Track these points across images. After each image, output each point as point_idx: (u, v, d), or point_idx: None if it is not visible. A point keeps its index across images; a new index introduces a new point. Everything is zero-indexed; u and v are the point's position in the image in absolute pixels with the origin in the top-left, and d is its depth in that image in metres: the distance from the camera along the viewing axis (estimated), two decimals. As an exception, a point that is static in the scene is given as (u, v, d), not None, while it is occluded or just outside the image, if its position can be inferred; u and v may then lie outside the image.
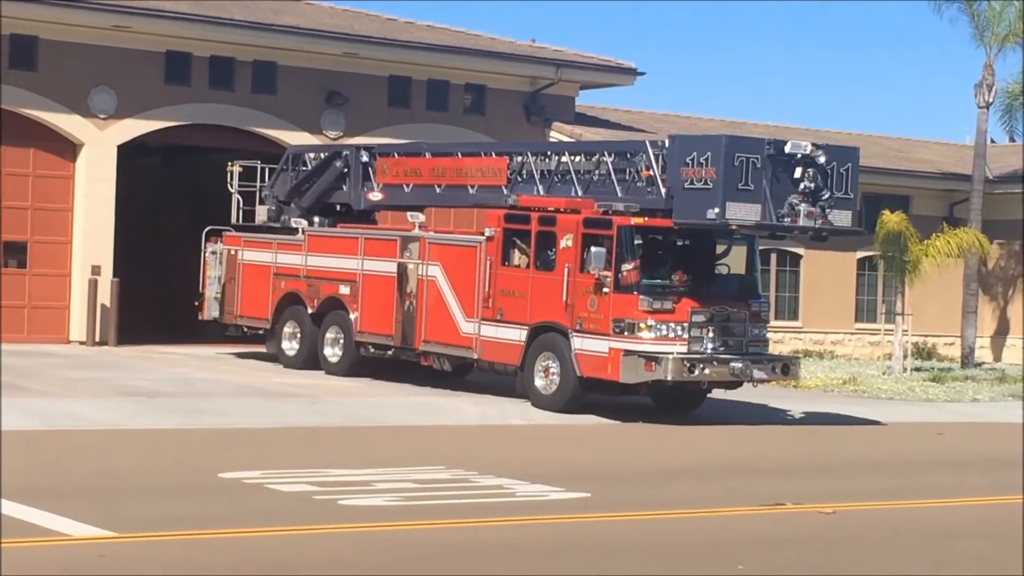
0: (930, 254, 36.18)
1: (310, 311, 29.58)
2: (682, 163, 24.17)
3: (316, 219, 30.69)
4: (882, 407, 29.12)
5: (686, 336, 24.20)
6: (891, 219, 35.32)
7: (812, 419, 26.64)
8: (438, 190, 28.90)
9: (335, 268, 29.23)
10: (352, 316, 28.64)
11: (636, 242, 24.52)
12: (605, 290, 24.25)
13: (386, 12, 39.69)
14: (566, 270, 24.75)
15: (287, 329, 30.21)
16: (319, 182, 31.10)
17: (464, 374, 28.15)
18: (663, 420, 24.94)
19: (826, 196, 24.29)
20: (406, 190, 29.54)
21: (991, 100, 39.22)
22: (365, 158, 30.36)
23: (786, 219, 24.10)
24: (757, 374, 24.84)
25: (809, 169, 24.12)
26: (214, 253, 31.94)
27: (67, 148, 34.44)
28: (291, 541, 13.34)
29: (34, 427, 20.40)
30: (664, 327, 24.10)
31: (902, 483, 19.48)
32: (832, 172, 24.41)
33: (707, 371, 24.25)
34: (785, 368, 25.53)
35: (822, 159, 24.18)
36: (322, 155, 31.49)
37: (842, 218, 24.72)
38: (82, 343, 33.91)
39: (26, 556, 12.05)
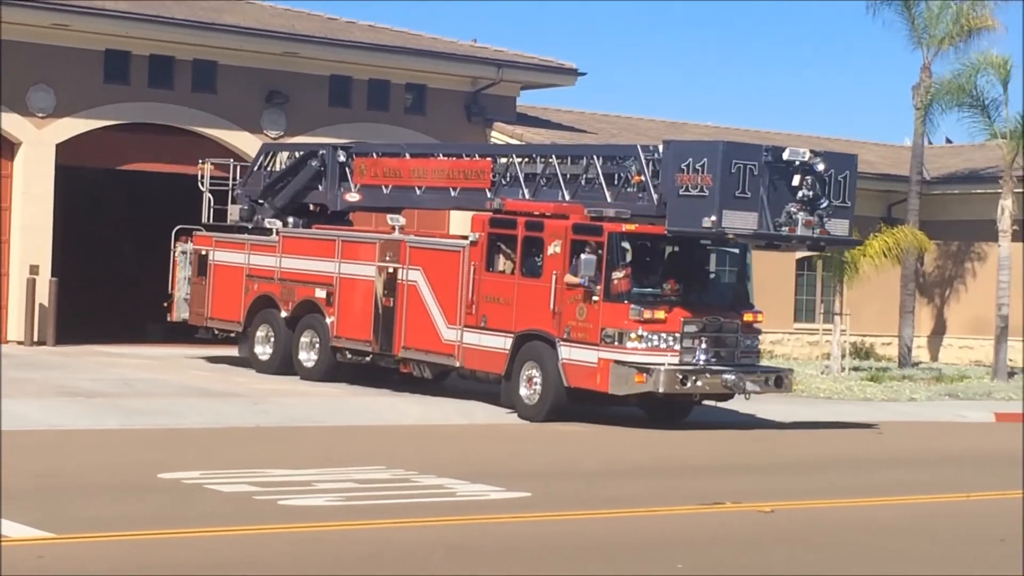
0: (868, 254, 36.43)
1: (284, 314, 28.84)
2: (677, 169, 23.56)
3: (290, 219, 29.96)
4: (820, 406, 29.30)
5: (678, 347, 23.65)
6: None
7: (752, 422, 26.65)
8: (418, 192, 28.19)
9: (311, 271, 28.50)
10: (328, 320, 27.92)
11: (627, 249, 24.16)
12: (595, 298, 23.62)
13: (327, 12, 39.67)
14: (553, 277, 24.16)
15: (260, 333, 29.46)
16: (294, 181, 30.40)
17: (442, 380, 27.31)
18: (633, 425, 24.52)
19: (824, 205, 23.78)
20: (385, 191, 28.85)
21: (927, 101, 39.48)
22: (342, 158, 29.63)
23: (784, 228, 23.58)
24: (750, 387, 24.25)
25: (807, 177, 23.64)
26: (184, 253, 31.27)
27: (4, 147, 34.18)
28: (230, 542, 13.31)
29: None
30: (655, 337, 23.55)
31: (841, 481, 19.61)
32: (830, 180, 23.92)
33: (699, 383, 23.67)
34: (779, 380, 24.87)
35: (820, 167, 23.69)
36: (297, 154, 30.83)
37: (839, 227, 24.19)
38: (20, 343, 33.70)
39: (-36, 557, 11.99)
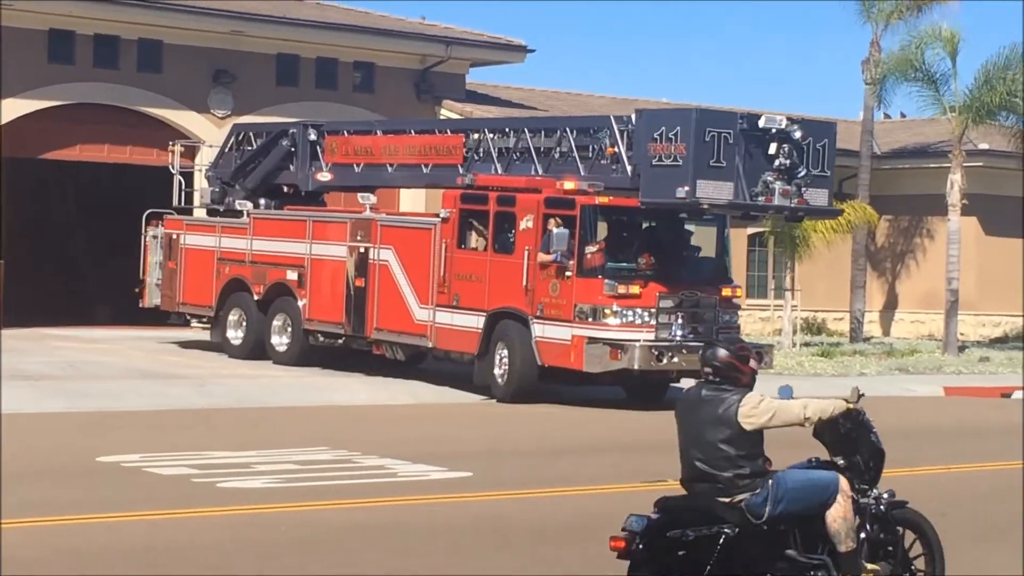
0: (819, 229, 36.51)
1: (256, 298, 28.24)
2: (649, 139, 22.83)
3: (262, 201, 29.40)
4: (770, 382, 29.24)
5: (653, 322, 23.01)
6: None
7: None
8: (390, 169, 27.68)
9: (282, 252, 27.98)
10: (300, 303, 27.36)
11: (600, 223, 23.54)
12: (567, 274, 23.03)
13: (274, -10, 39.50)
14: (526, 253, 23.49)
15: (232, 317, 28.88)
16: (264, 162, 29.91)
17: (418, 363, 26.85)
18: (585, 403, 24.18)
19: (802, 174, 23.04)
20: (356, 170, 28.31)
21: (877, 76, 39.54)
22: (313, 136, 29.03)
23: (760, 198, 22.80)
24: None
25: (784, 145, 22.84)
26: (155, 237, 30.76)
27: (-53, 130, 33.99)
28: (165, 525, 13.31)
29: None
30: (630, 313, 22.94)
31: (786, 455, 19.62)
32: (808, 148, 23.18)
33: (676, 359, 22.97)
34: (759, 356, 24.66)
35: (798, 134, 22.90)
36: (267, 133, 30.33)
37: (818, 197, 23.55)
38: (-34, 326, 33.47)
39: None
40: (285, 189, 30.03)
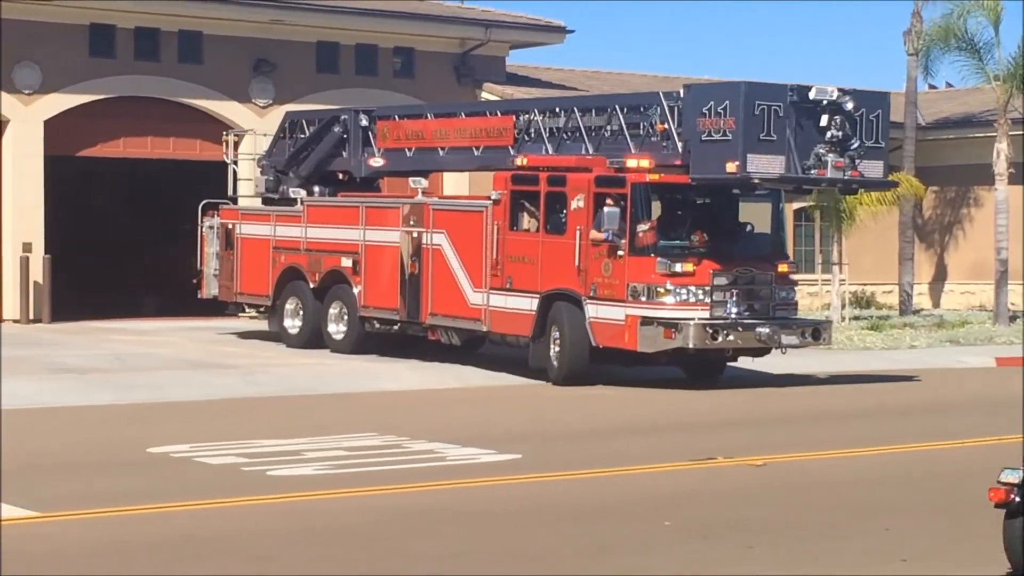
0: (864, 202, 36.29)
1: (312, 286, 27.87)
2: (698, 114, 22.53)
3: (316, 188, 29.11)
4: (820, 356, 29.12)
5: (708, 300, 22.63)
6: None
7: (760, 378, 26.25)
8: (441, 153, 27.27)
9: (336, 240, 27.57)
10: (355, 290, 26.96)
11: (652, 201, 23.09)
12: (620, 253, 22.60)
13: (313, -23, 39.50)
14: (578, 233, 23.09)
15: (289, 306, 28.46)
16: (317, 149, 29.58)
17: (476, 348, 26.37)
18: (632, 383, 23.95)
19: (855, 145, 22.61)
20: (408, 154, 27.88)
21: (920, 47, 39.29)
22: (365, 122, 28.62)
23: (813, 171, 22.37)
24: (786, 339, 23.26)
25: (836, 117, 22.41)
26: (211, 228, 30.55)
27: (-8, 125, 34.17)
28: (218, 514, 13.33)
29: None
30: (684, 291, 22.53)
31: (835, 433, 19.58)
32: (861, 120, 22.78)
33: (731, 337, 22.67)
34: (816, 332, 23.68)
35: (850, 105, 22.46)
36: (319, 121, 30.00)
37: (873, 169, 23.12)
38: (16, 321, 33.69)
39: (-54, 539, 12.00)
40: (340, 176, 29.70)
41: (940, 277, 45.35)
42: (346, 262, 27.24)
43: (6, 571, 11.00)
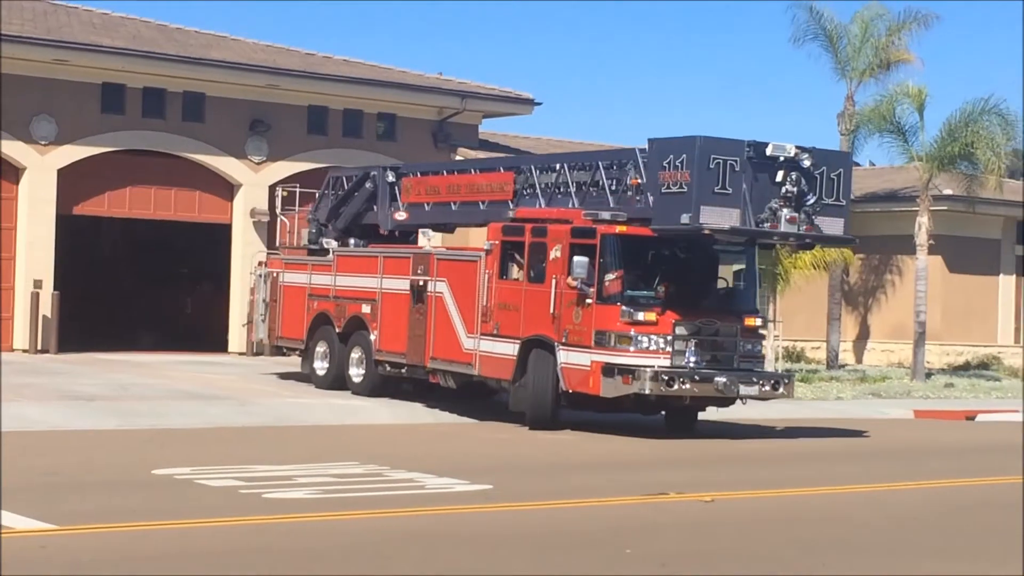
0: (798, 266, 36.55)
1: (337, 330, 27.22)
2: (659, 167, 21.68)
3: (352, 241, 28.29)
4: (752, 407, 29.11)
5: (669, 349, 21.70)
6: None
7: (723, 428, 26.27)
8: (453, 207, 26.46)
9: (358, 287, 26.93)
10: (372, 336, 26.26)
11: (620, 252, 22.07)
12: (588, 301, 21.80)
13: (306, 47, 39.68)
14: (554, 281, 22.33)
15: (319, 349, 27.81)
16: (352, 203, 28.92)
17: (478, 394, 25.12)
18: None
19: (811, 201, 21.68)
20: (426, 208, 27.08)
21: (852, 128, 39.62)
22: (391, 178, 27.96)
23: (766, 224, 21.48)
24: (744, 390, 22.13)
25: (792, 173, 21.53)
26: (260, 276, 30.05)
27: (10, 171, 34.10)
28: (219, 532, 13.24)
29: (-20, 429, 20.15)
30: (646, 339, 21.62)
31: (775, 474, 19.61)
32: (822, 177, 21.85)
33: (688, 386, 21.64)
34: (776, 384, 22.64)
35: (807, 163, 21.60)
36: (354, 177, 29.24)
37: (833, 226, 22.10)
38: (25, 351, 33.55)
39: (-28, 548, 11.90)
40: (381, 230, 28.68)
41: (863, 336, 45.61)
42: (365, 308, 26.60)
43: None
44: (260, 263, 30.54)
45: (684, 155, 21.31)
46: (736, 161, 21.29)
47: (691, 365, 21.81)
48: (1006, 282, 45.53)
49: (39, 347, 33.59)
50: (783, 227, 21.57)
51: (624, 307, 21.73)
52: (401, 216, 27.79)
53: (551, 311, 22.36)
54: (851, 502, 17.07)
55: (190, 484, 15.91)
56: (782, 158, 21.53)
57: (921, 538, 14.41)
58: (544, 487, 17.12)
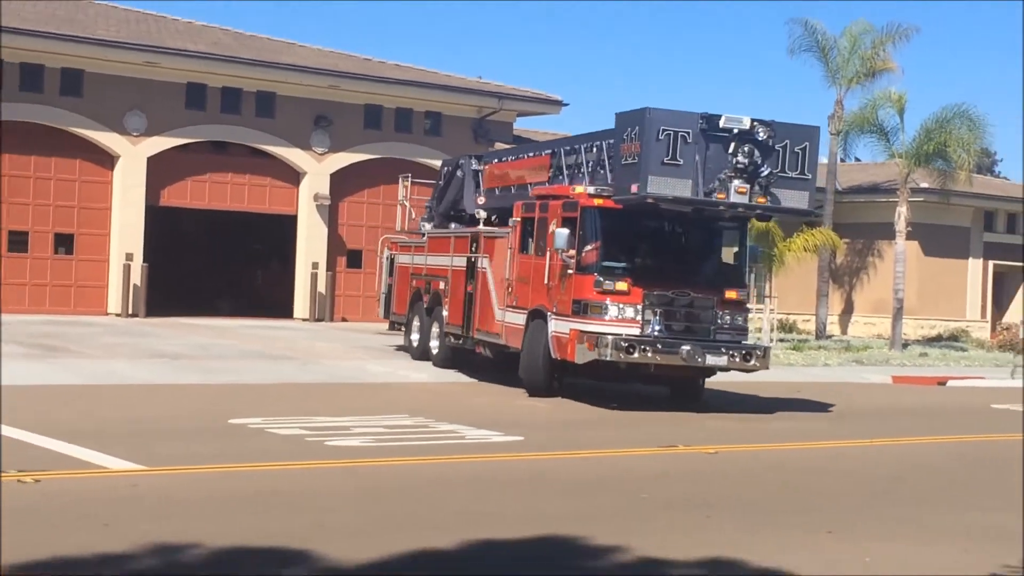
0: (792, 249, 36.43)
1: (425, 306, 26.15)
2: (620, 140, 19.85)
3: (452, 225, 26.84)
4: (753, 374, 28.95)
5: (639, 319, 19.89)
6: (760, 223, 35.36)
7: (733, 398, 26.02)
8: (513, 191, 24.77)
9: (439, 265, 25.81)
10: (444, 311, 25.03)
11: (599, 224, 20.32)
12: (569, 272, 20.31)
13: (364, 53, 39.72)
14: (548, 254, 20.96)
15: (415, 323, 26.69)
16: (449, 190, 27.58)
17: (513, 364, 22.36)
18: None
19: (765, 173, 19.35)
20: (497, 193, 25.60)
21: (840, 129, 39.43)
22: (475, 166, 26.60)
23: (714, 195, 19.22)
24: (711, 360, 20.04)
25: (745, 145, 19.23)
26: (386, 258, 29.01)
27: (106, 159, 34.19)
28: (287, 474, 13.28)
29: (79, 382, 20.26)
30: (616, 308, 19.93)
31: (769, 428, 19.54)
32: (785, 151, 19.53)
33: (649, 353, 19.73)
34: (747, 355, 20.41)
35: (763, 135, 19.33)
36: (453, 166, 27.94)
37: (795, 199, 19.68)
38: (118, 315, 33.69)
39: (73, 485, 11.98)
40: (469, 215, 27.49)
41: (848, 310, 45.45)
42: (442, 285, 25.50)
43: (127, 514, 10.98)
44: (385, 245, 29.42)
45: (637, 127, 19.41)
46: (688, 133, 19.18)
47: (655, 333, 19.98)
48: (974, 265, 45.37)
49: (130, 312, 33.73)
50: (732, 198, 19.28)
51: (598, 276, 20.06)
52: (481, 200, 26.62)
53: (545, 282, 21.07)
54: (838, 455, 17.02)
55: (262, 432, 15.93)
56: (736, 130, 19.30)
57: (905, 489, 14.36)
58: (567, 439, 17.07)
